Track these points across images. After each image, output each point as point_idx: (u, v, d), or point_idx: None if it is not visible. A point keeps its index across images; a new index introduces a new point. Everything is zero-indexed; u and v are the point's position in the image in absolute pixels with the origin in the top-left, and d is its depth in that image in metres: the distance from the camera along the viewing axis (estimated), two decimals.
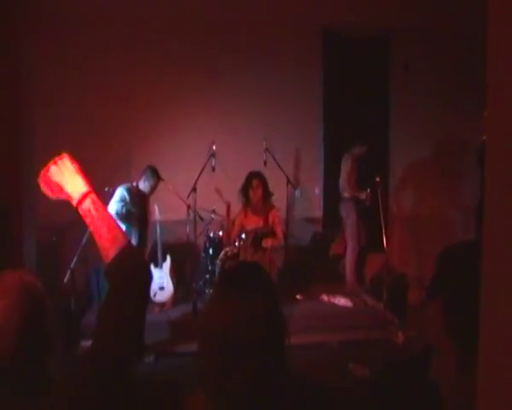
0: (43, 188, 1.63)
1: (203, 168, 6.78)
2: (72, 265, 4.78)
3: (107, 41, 7.00)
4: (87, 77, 6.91)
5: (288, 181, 7.16)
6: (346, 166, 7.03)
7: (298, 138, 7.71)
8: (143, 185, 6.17)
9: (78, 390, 1.40)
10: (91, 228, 1.57)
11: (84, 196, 1.59)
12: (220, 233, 6.83)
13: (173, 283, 6.35)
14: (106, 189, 5.82)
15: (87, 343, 4.72)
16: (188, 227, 6.64)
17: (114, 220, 1.61)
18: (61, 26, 6.77)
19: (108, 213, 1.63)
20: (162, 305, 6.29)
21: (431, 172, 7.28)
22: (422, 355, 1.72)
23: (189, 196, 6.53)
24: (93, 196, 1.61)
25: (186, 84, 7.34)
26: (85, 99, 6.90)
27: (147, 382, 1.67)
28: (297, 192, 7.34)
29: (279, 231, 6.62)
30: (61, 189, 1.61)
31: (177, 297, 6.50)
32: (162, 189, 6.37)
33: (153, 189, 6.23)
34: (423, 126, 7.73)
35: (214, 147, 6.90)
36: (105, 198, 5.89)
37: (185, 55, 7.29)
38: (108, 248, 1.54)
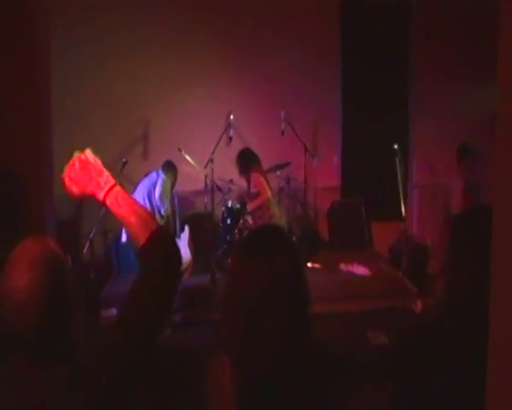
0: (68, 184, 1.63)
1: (220, 138, 6.76)
2: (90, 235, 4.81)
3: (124, 20, 6.95)
4: (105, 54, 6.88)
5: (306, 150, 7.12)
6: None
7: (316, 108, 7.62)
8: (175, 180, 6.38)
9: (106, 355, 1.43)
10: (120, 217, 1.60)
11: (111, 188, 1.61)
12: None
13: (191, 253, 6.38)
14: (124, 160, 5.85)
15: (107, 313, 4.80)
16: (205, 197, 6.65)
17: (142, 206, 1.64)
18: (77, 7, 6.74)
19: (134, 200, 1.65)
20: (180, 275, 6.32)
21: (452, 138, 7.15)
22: (438, 322, 1.73)
23: (206, 167, 6.53)
24: (118, 187, 1.63)
25: (202, 53, 7.27)
26: (103, 74, 6.88)
27: (168, 351, 1.69)
28: (315, 161, 7.29)
29: (259, 191, 6.29)
30: (87, 183, 1.62)
31: (196, 267, 6.53)
32: (180, 159, 6.37)
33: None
34: (444, 94, 7.59)
35: (232, 117, 6.86)
36: (123, 168, 5.93)
37: (200, 26, 7.21)
38: (140, 234, 1.58)
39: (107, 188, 1.61)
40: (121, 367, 1.44)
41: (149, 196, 5.97)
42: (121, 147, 6.77)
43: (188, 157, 6.43)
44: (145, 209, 1.64)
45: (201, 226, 6.79)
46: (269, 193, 6.13)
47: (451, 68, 7.52)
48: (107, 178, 1.63)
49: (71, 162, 1.64)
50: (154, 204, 6.00)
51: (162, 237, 1.60)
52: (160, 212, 5.96)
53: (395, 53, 7.82)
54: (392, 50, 7.79)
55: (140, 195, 5.99)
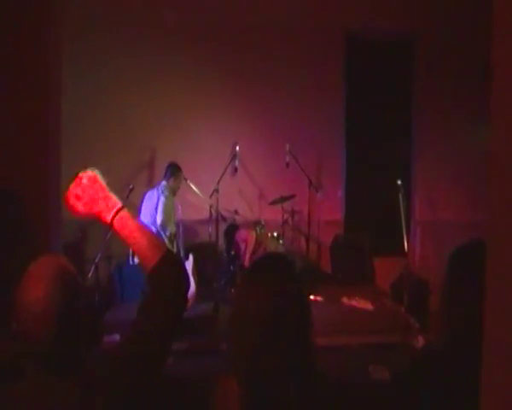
0: (73, 202, 1.62)
1: (226, 169, 6.80)
2: (96, 260, 4.81)
3: (133, 50, 7.07)
4: (114, 81, 6.98)
5: (310, 183, 7.15)
6: None
7: (320, 141, 7.69)
8: (173, 184, 6.24)
9: (114, 375, 1.46)
10: (129, 241, 1.60)
11: (118, 211, 1.61)
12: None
13: (195, 281, 6.36)
14: (130, 186, 5.88)
15: (109, 338, 4.77)
16: (210, 227, 6.66)
17: (150, 230, 1.65)
18: (88, 26, 6.86)
19: (142, 224, 1.66)
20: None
21: (454, 175, 7.19)
22: (438, 357, 1.76)
23: (211, 197, 6.55)
24: (126, 210, 1.63)
25: (209, 85, 7.38)
26: (111, 101, 6.97)
27: (171, 378, 1.70)
28: (319, 194, 7.32)
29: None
30: (94, 202, 1.62)
31: (199, 296, 6.50)
32: (185, 189, 6.40)
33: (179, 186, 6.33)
34: (447, 130, 7.66)
35: (237, 148, 6.92)
36: (129, 195, 5.96)
37: (207, 56, 7.33)
38: (149, 257, 1.58)
39: (114, 210, 1.61)
40: (128, 386, 1.46)
41: (154, 223, 5.97)
42: (127, 173, 6.81)
43: (193, 186, 6.46)
44: (153, 232, 1.68)
45: (205, 256, 6.79)
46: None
47: (454, 104, 7.60)
48: (114, 201, 1.63)
49: (77, 179, 1.63)
50: (158, 230, 6.00)
51: (172, 261, 1.62)
52: (165, 234, 5.95)
53: (398, 88, 7.94)
54: (396, 85, 7.91)
55: (145, 219, 6.00)
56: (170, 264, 1.60)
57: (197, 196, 6.55)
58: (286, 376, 1.42)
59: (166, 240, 5.90)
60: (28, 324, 1.47)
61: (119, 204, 1.63)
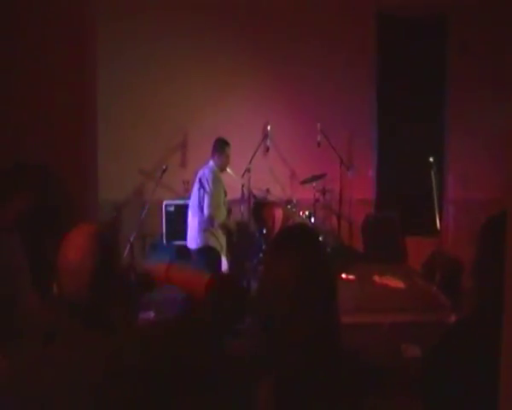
0: None
1: (257, 148, 6.80)
2: (131, 239, 4.89)
3: (166, 32, 7.09)
4: (147, 63, 7.03)
5: (342, 162, 7.11)
6: None
7: (351, 120, 7.61)
8: (219, 161, 5.91)
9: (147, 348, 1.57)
10: (178, 285, 1.86)
11: (168, 269, 1.87)
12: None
13: (227, 260, 6.42)
14: (164, 167, 5.95)
15: (145, 315, 4.86)
16: (242, 206, 6.69)
17: (192, 272, 1.90)
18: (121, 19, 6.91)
19: (188, 273, 1.90)
20: None
21: (488, 153, 7.04)
22: (470, 331, 1.76)
23: (243, 176, 6.57)
24: (173, 267, 1.87)
25: (239, 65, 7.37)
26: (145, 83, 7.03)
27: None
28: (350, 173, 7.28)
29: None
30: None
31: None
32: None
33: None
34: (480, 108, 7.49)
35: (269, 127, 6.90)
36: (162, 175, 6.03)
37: (238, 36, 7.32)
38: (196, 290, 1.77)
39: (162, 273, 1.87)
40: (160, 364, 1.57)
41: (201, 210, 5.80)
42: (161, 154, 6.88)
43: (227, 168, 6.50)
44: (195, 272, 1.90)
45: (238, 235, 6.83)
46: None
47: (488, 82, 7.40)
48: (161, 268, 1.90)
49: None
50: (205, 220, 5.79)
51: (225, 286, 1.76)
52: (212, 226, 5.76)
53: (431, 65, 7.76)
54: (428, 63, 7.74)
55: (194, 202, 5.88)
56: (219, 285, 1.74)
57: (229, 176, 6.57)
58: (314, 340, 1.46)
59: (214, 231, 5.75)
60: (66, 276, 1.61)
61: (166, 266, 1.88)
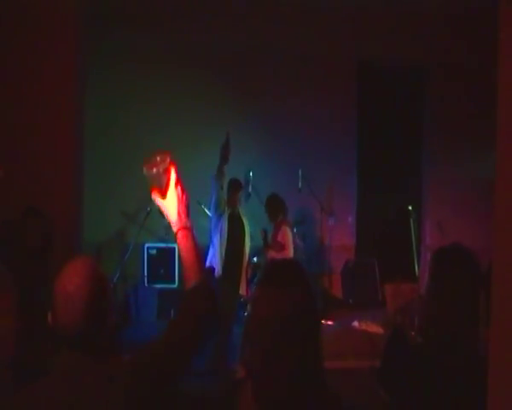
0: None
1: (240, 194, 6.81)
2: (114, 279, 4.84)
3: (152, 73, 7.21)
4: (132, 103, 7.10)
5: (322, 209, 7.16)
6: None
7: (332, 167, 7.70)
8: (228, 198, 5.94)
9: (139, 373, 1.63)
10: (181, 254, 1.85)
11: (187, 229, 1.86)
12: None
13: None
14: (148, 209, 5.95)
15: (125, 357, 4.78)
16: None
17: (198, 258, 1.85)
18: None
19: (196, 250, 1.86)
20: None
21: (465, 201, 7.16)
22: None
23: None
24: (189, 232, 1.86)
25: (222, 111, 7.42)
26: (128, 127, 7.07)
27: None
28: (330, 220, 7.33)
29: (284, 245, 6.27)
30: (165, 211, 1.89)
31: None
32: (198, 213, 6.43)
33: None
34: (457, 157, 7.65)
35: (251, 174, 6.95)
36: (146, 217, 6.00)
37: (218, 81, 7.41)
38: (189, 277, 1.81)
39: (183, 226, 1.85)
40: (155, 385, 1.63)
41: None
42: (143, 197, 6.84)
43: (206, 211, 6.49)
44: (199, 260, 1.85)
45: None
46: (291, 251, 6.16)
47: (465, 132, 7.56)
48: (185, 219, 1.87)
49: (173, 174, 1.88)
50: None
51: (204, 290, 1.80)
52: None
53: (409, 116, 7.98)
54: (407, 113, 7.95)
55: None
56: (200, 290, 1.78)
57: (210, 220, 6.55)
58: (297, 377, 1.46)
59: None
60: (62, 304, 1.64)
61: (189, 224, 1.87)
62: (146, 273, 6.55)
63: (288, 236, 6.15)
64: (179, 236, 1.86)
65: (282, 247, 6.19)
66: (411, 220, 6.30)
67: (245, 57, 7.44)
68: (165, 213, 1.89)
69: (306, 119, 7.59)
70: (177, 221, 1.86)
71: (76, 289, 1.64)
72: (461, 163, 7.65)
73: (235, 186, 6.00)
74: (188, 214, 1.89)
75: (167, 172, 1.89)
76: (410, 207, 6.35)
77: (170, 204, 1.88)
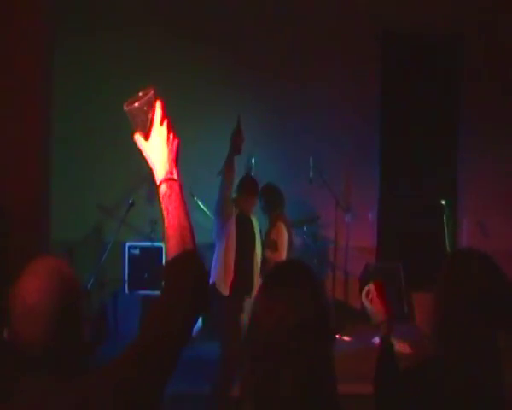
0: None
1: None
2: (88, 285, 4.79)
3: (136, 54, 7.18)
4: (111, 87, 7.05)
5: (338, 204, 7.10)
6: None
7: (350, 155, 7.63)
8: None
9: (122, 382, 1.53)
10: (164, 214, 1.71)
11: (173, 181, 1.74)
12: None
13: (202, 318, 6.30)
14: (130, 201, 5.91)
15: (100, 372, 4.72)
16: None
17: (188, 219, 1.73)
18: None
19: (185, 210, 1.73)
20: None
21: (507, 197, 7.08)
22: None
23: None
24: (176, 185, 1.74)
25: (221, 91, 7.39)
26: (104, 107, 7.01)
27: None
28: (347, 217, 7.27)
29: (276, 246, 6.09)
30: (148, 157, 1.78)
31: (206, 335, 6.43)
32: (191, 207, 6.36)
33: None
34: (499, 144, 7.56)
35: (253, 160, 6.91)
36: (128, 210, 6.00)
37: (227, 56, 7.38)
38: (173, 245, 1.67)
39: (169, 176, 1.73)
40: (135, 398, 1.53)
41: None
42: (124, 188, 6.81)
43: (201, 204, 6.43)
44: (189, 225, 1.72)
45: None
46: (284, 255, 6.04)
47: (507, 114, 7.48)
48: (173, 169, 1.75)
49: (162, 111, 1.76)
50: None
51: (194, 261, 1.68)
52: None
53: (443, 94, 7.87)
54: (439, 92, 7.84)
55: None
56: (190, 263, 1.66)
57: (206, 216, 6.49)
58: (303, 395, 1.46)
59: None
60: (22, 315, 1.56)
61: (176, 176, 1.75)
62: (127, 278, 6.49)
63: (283, 234, 6.04)
64: (163, 189, 1.73)
65: (274, 245, 6.08)
66: (445, 218, 6.23)
67: (253, 29, 7.41)
68: (147, 159, 1.78)
69: (320, 99, 7.54)
70: (160, 169, 1.75)
71: (38, 300, 1.57)
72: (504, 152, 7.55)
73: (251, 189, 5.84)
74: (177, 163, 1.78)
75: (151, 108, 1.76)
76: (443, 202, 6.28)
77: (153, 147, 1.77)
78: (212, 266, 5.53)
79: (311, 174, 6.98)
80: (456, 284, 2.03)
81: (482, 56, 7.65)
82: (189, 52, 7.28)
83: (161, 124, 1.78)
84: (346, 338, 6.60)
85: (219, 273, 5.37)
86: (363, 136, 7.73)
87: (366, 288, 2.41)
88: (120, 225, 6.13)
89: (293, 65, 7.48)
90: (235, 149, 5.37)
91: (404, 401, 2.08)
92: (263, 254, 6.06)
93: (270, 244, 6.18)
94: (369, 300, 2.36)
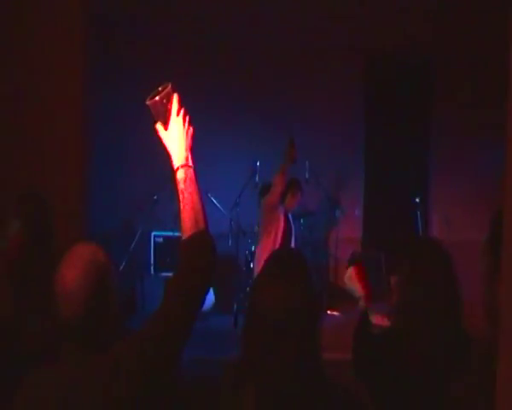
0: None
1: (245, 185, 6.79)
2: (121, 267, 4.83)
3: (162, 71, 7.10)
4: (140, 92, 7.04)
5: (329, 201, 7.13)
6: None
7: (340, 159, 7.64)
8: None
9: (144, 348, 1.57)
10: (180, 197, 1.70)
11: (188, 166, 1.72)
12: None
13: (214, 295, 6.34)
14: (154, 197, 5.94)
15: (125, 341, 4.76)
16: (230, 241, 6.65)
17: (201, 203, 1.72)
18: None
19: (199, 194, 1.72)
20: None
21: (472, 194, 7.08)
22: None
23: (231, 210, 6.56)
24: (191, 171, 1.72)
25: (230, 101, 7.38)
26: (138, 113, 7.00)
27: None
28: (337, 212, 7.29)
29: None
30: (166, 145, 1.76)
31: (218, 309, 6.48)
32: (206, 202, 6.41)
33: None
34: (465, 150, 7.56)
35: (258, 163, 6.91)
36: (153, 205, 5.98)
37: (224, 71, 7.34)
38: (188, 226, 1.67)
39: (185, 162, 1.71)
40: (158, 360, 1.57)
41: None
42: (151, 185, 6.85)
43: (214, 201, 6.49)
44: (202, 207, 1.72)
45: (224, 269, 6.77)
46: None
47: (474, 124, 7.45)
48: (189, 157, 1.74)
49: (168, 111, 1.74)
50: None
51: (205, 238, 1.69)
52: None
53: (418, 106, 7.84)
54: (415, 104, 7.82)
55: None
56: (202, 243, 1.67)
57: (218, 210, 6.55)
58: (295, 369, 1.45)
59: None
60: (63, 298, 1.58)
61: (191, 163, 1.73)
62: (152, 262, 6.56)
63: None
64: (179, 175, 1.71)
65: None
66: (418, 213, 6.24)
67: (251, 46, 7.33)
68: (166, 147, 1.76)
69: (314, 110, 7.53)
70: (178, 156, 1.73)
71: (76, 281, 1.57)
72: (469, 155, 7.56)
73: (297, 186, 5.96)
74: (191, 150, 1.76)
75: (169, 101, 1.76)
76: (417, 200, 6.29)
77: (171, 136, 1.75)
78: (259, 256, 5.56)
79: (307, 175, 7.01)
80: (417, 272, 2.17)
81: (452, 72, 7.62)
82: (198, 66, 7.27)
83: (178, 114, 1.76)
84: (334, 313, 6.64)
85: None
86: (350, 144, 7.72)
87: (347, 271, 2.47)
88: (147, 217, 6.17)
89: (288, 82, 7.45)
90: (292, 160, 5.65)
91: (374, 360, 2.18)
92: None
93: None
94: (349, 279, 2.43)
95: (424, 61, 7.83)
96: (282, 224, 5.73)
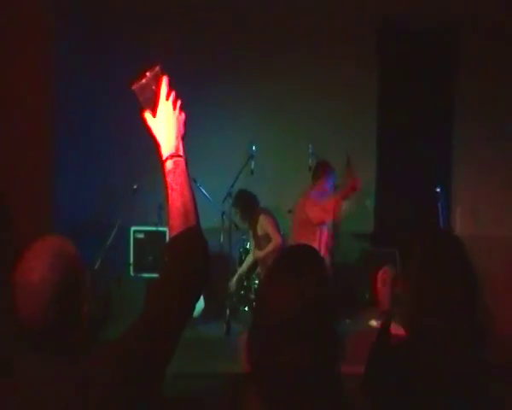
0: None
1: (240, 171, 6.72)
2: (96, 266, 4.77)
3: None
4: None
5: (336, 190, 7.06)
6: None
7: (348, 142, 7.57)
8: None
9: (125, 359, 1.54)
10: (168, 191, 1.68)
11: (179, 156, 1.71)
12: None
13: (204, 298, 6.28)
14: (134, 186, 5.89)
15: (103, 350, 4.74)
16: (222, 236, 6.58)
17: (192, 197, 1.70)
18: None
19: (190, 188, 1.71)
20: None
21: (503, 187, 7.03)
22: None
23: (224, 201, 6.49)
24: (182, 161, 1.71)
25: (223, 76, 7.34)
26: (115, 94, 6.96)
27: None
28: (345, 203, 7.23)
29: (271, 234, 6.37)
30: (155, 133, 1.74)
31: (208, 315, 6.42)
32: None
33: None
34: (493, 134, 7.51)
35: (254, 147, 6.81)
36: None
37: (224, 46, 7.37)
38: (177, 222, 1.66)
39: (175, 152, 1.70)
40: (138, 376, 1.54)
41: None
42: (131, 173, 6.79)
43: (203, 191, 6.40)
44: (194, 202, 1.69)
45: (216, 269, 6.70)
46: (280, 238, 6.14)
47: (501, 106, 7.43)
48: (179, 146, 1.72)
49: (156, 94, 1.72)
50: None
51: (196, 238, 1.67)
52: None
53: (438, 87, 7.80)
54: (435, 84, 7.78)
55: None
56: (193, 240, 1.65)
57: (207, 201, 6.47)
58: (306, 369, 1.46)
59: None
60: (23, 296, 1.54)
61: (182, 153, 1.72)
62: (132, 261, 6.47)
63: (268, 221, 6.36)
64: (168, 165, 1.69)
65: (267, 238, 6.33)
66: (439, 205, 6.18)
67: (251, 14, 7.33)
68: (154, 136, 1.74)
69: (320, 87, 7.48)
70: (167, 144, 1.72)
71: (40, 276, 1.53)
72: (498, 142, 7.50)
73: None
74: (183, 139, 1.75)
75: (158, 84, 1.73)
76: (438, 190, 6.22)
77: (160, 122, 1.73)
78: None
79: (309, 161, 6.93)
80: (428, 258, 2.17)
81: (478, 45, 7.56)
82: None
83: (167, 98, 1.74)
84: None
85: None
86: (361, 126, 7.69)
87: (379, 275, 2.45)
88: (127, 208, 6.11)
89: (291, 54, 7.42)
90: (353, 188, 6.09)
91: (389, 376, 2.15)
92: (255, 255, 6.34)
93: (259, 243, 6.28)
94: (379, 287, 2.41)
95: (447, 29, 7.73)
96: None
